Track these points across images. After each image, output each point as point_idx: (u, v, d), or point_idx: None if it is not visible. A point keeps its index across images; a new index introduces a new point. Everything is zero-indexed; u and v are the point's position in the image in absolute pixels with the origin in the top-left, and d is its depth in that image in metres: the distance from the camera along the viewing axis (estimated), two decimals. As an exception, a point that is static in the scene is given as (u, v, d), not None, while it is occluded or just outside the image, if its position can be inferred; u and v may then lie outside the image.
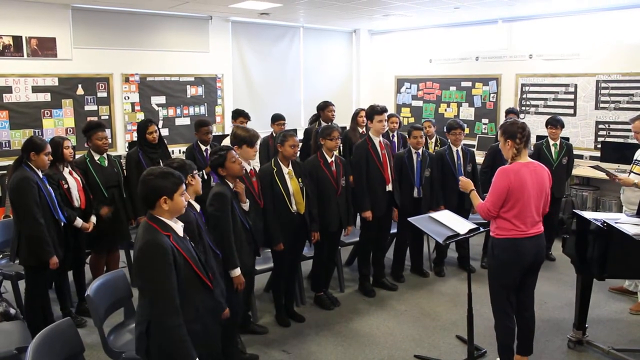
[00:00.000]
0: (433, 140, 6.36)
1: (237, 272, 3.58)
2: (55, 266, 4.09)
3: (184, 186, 2.62)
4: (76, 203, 4.46)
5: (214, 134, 6.12)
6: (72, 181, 4.47)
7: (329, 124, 5.60)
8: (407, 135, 5.49)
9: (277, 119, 6.56)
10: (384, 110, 5.00)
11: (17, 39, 6.65)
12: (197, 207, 3.28)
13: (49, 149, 4.14)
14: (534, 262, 3.56)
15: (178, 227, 2.62)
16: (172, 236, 2.52)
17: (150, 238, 2.46)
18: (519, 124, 3.50)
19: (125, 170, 5.17)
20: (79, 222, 4.42)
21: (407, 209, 5.17)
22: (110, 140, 7.35)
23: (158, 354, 2.52)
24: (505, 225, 3.47)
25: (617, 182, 4.74)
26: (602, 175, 4.90)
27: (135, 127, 7.61)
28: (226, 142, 5.15)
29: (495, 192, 3.48)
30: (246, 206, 3.82)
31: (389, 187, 5.06)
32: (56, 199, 4.19)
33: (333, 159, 4.73)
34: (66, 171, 4.47)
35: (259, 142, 4.22)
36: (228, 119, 8.51)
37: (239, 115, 6.18)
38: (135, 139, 7.49)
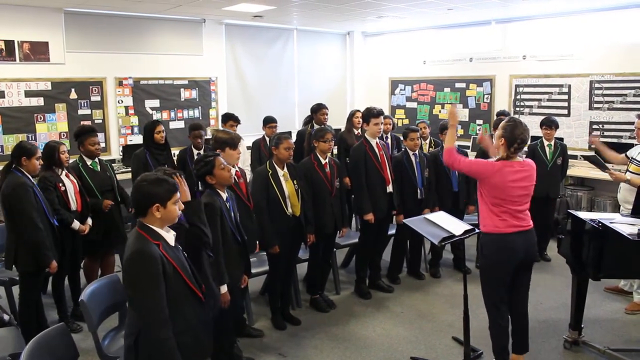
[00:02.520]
0: (427, 141, 6.37)
1: (224, 289, 3.44)
2: (55, 270, 4.08)
3: (178, 194, 2.54)
4: (73, 206, 4.44)
5: (207, 136, 6.10)
6: (69, 184, 4.45)
7: (323, 126, 5.60)
8: (402, 137, 5.48)
9: (268, 121, 6.55)
10: (380, 113, 5.00)
11: (9, 44, 6.62)
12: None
13: (39, 153, 4.11)
14: (525, 259, 3.56)
15: (169, 236, 2.54)
16: (161, 245, 2.44)
17: (139, 247, 2.39)
18: (521, 135, 3.45)
19: (131, 172, 5.20)
20: (76, 224, 4.39)
21: (412, 211, 5.13)
22: (104, 145, 7.35)
23: None
24: (493, 220, 3.49)
25: (612, 176, 4.73)
26: (597, 175, 4.91)
27: (129, 131, 7.63)
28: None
29: (468, 164, 3.63)
30: None
31: (390, 188, 5.05)
32: (52, 202, 4.17)
33: (327, 160, 4.72)
34: (63, 174, 4.45)
35: (241, 143, 4.19)
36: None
37: (229, 119, 6.17)
38: (129, 142, 7.52)
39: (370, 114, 4.99)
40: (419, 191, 5.34)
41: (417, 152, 5.36)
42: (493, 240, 3.51)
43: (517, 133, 3.46)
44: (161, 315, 2.36)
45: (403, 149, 5.46)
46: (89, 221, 4.57)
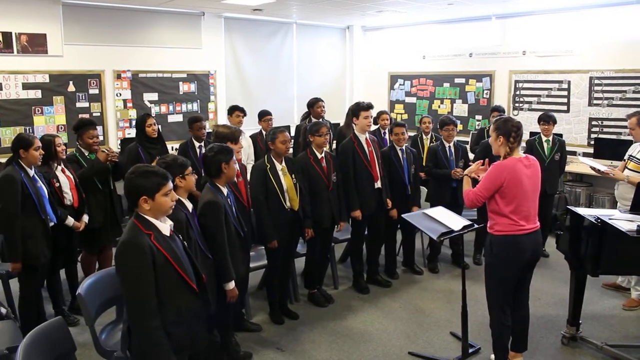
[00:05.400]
0: (428, 136, 6.36)
1: (231, 285, 3.47)
2: (16, 270, 3.98)
3: (169, 185, 2.53)
4: (68, 202, 4.41)
5: (207, 130, 6.07)
6: (64, 179, 4.42)
7: (318, 120, 5.58)
8: (389, 132, 5.47)
9: (263, 115, 6.52)
10: (369, 106, 4.96)
11: (6, 35, 6.58)
12: (190, 206, 3.17)
13: (38, 143, 4.06)
14: (532, 259, 3.56)
15: (165, 226, 2.54)
16: (153, 235, 2.45)
17: (128, 238, 2.42)
18: (514, 123, 3.47)
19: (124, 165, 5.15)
20: (70, 221, 4.37)
21: (400, 206, 5.15)
22: (102, 138, 7.33)
23: (137, 354, 2.51)
24: (503, 221, 3.45)
25: (611, 177, 4.79)
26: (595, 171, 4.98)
27: (127, 125, 7.61)
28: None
29: (485, 185, 3.46)
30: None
31: (378, 184, 5.03)
32: (47, 198, 4.14)
33: (323, 155, 4.70)
34: (59, 169, 4.42)
35: (244, 137, 4.16)
36: (221, 116, 8.49)
37: (235, 109, 6.14)
38: (127, 135, 7.50)
39: (360, 108, 4.93)
40: (407, 187, 5.32)
41: (403, 147, 5.34)
42: (504, 241, 3.47)
43: (509, 124, 3.46)
44: (146, 305, 2.39)
45: (390, 144, 5.43)
46: (85, 218, 4.55)
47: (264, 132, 6.42)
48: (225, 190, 3.59)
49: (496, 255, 3.53)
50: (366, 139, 4.99)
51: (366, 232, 5.25)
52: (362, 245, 5.29)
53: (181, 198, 3.07)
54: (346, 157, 4.92)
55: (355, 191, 4.90)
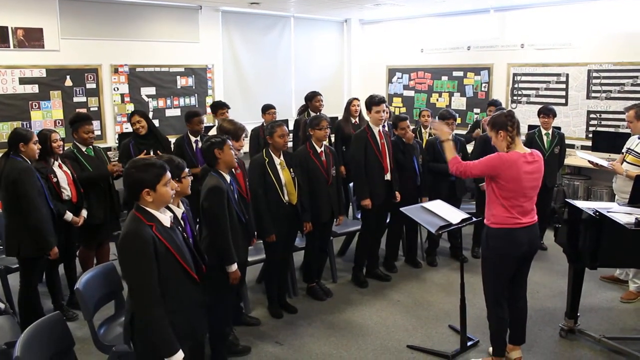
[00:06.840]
0: (427, 129, 6.35)
1: (234, 267, 3.54)
2: (56, 256, 4.09)
3: (168, 175, 2.56)
4: (66, 197, 4.41)
5: (205, 124, 6.06)
6: (62, 174, 4.42)
7: (318, 114, 5.58)
8: (393, 126, 5.47)
9: (267, 108, 6.53)
10: (382, 100, 4.99)
11: (2, 30, 6.54)
12: (179, 211, 2.96)
13: (36, 137, 4.11)
14: (528, 252, 3.55)
15: (165, 217, 2.59)
16: (155, 226, 2.50)
17: (131, 229, 2.47)
18: (505, 114, 3.47)
19: (118, 160, 5.20)
20: (68, 215, 4.37)
21: (410, 197, 5.15)
22: (99, 133, 7.31)
23: (142, 344, 2.55)
24: (500, 214, 3.44)
25: (610, 170, 4.79)
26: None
27: (124, 119, 7.60)
28: (212, 133, 5.10)
29: (479, 166, 3.49)
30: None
31: (388, 176, 5.05)
32: (46, 192, 4.15)
33: (322, 149, 4.70)
34: (55, 165, 4.41)
35: (245, 135, 4.15)
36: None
37: (218, 107, 6.09)
38: (125, 130, 7.49)
39: (372, 102, 4.98)
40: (417, 177, 5.35)
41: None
42: (500, 234, 3.46)
43: (502, 117, 3.45)
44: (152, 296, 2.43)
45: (396, 137, 5.43)
46: (84, 213, 4.55)
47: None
48: (228, 177, 3.63)
49: (492, 249, 3.53)
50: (379, 131, 5.02)
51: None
52: (370, 239, 5.25)
53: (171, 205, 2.86)
54: (358, 147, 4.94)
55: (366, 180, 4.91)
